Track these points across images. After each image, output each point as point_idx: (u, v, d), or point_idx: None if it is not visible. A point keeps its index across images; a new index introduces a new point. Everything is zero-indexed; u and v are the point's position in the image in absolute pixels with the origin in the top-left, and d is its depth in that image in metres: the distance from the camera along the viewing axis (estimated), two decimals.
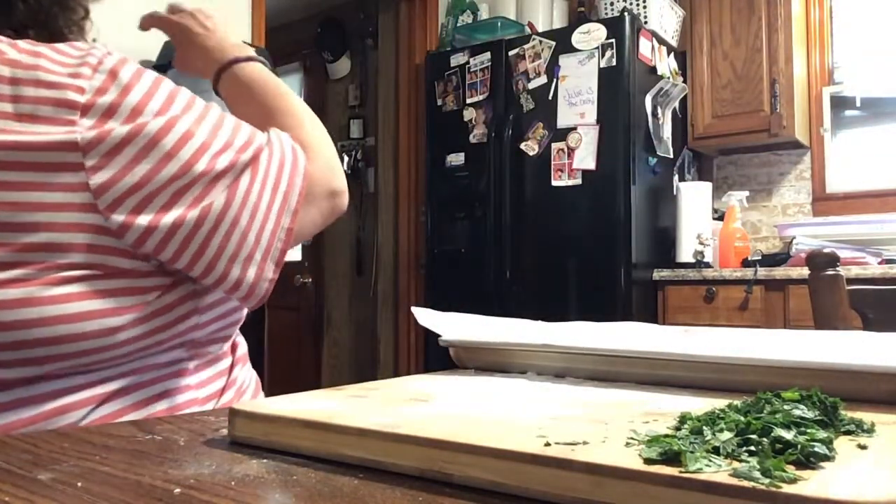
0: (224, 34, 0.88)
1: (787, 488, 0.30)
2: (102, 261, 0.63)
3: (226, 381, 0.78)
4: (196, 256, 0.65)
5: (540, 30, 3.28)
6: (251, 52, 0.86)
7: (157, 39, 0.98)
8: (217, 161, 0.65)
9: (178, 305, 0.69)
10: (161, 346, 0.69)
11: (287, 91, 0.83)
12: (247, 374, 0.83)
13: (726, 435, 0.36)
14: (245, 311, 0.81)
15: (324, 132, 0.81)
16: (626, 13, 2.90)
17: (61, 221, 0.61)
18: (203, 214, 0.64)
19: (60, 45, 0.66)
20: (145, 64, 0.93)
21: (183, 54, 0.90)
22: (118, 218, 0.62)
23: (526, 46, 3.08)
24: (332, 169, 0.77)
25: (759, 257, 2.92)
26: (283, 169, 0.70)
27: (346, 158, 4.24)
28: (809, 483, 0.30)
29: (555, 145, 2.97)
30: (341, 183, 0.78)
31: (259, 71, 0.83)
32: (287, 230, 0.69)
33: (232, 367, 0.80)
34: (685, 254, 2.98)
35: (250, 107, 0.81)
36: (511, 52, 3.12)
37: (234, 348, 0.82)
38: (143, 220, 0.63)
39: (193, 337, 0.72)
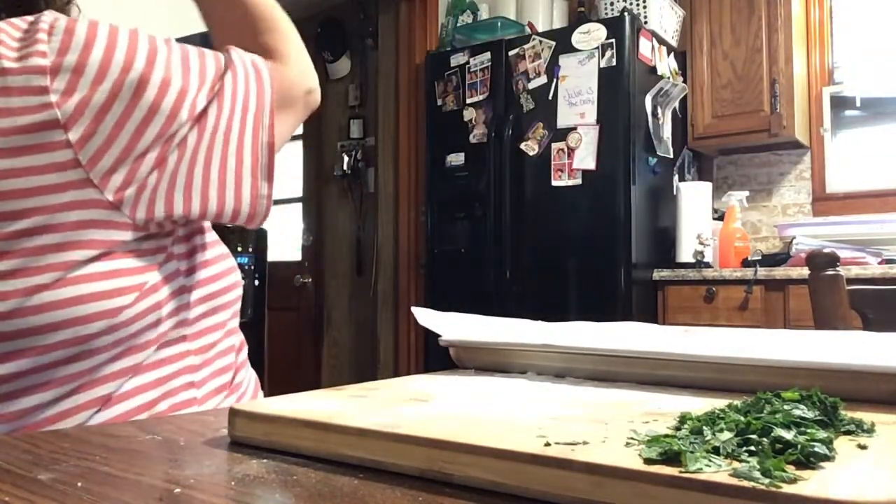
0: None
1: (787, 488, 0.30)
2: (103, 236, 0.62)
3: (231, 381, 0.78)
4: (187, 197, 0.65)
5: (540, 30, 3.28)
6: None
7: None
8: (196, 101, 0.65)
9: (169, 281, 0.69)
10: (159, 325, 0.68)
11: (264, 6, 0.83)
12: (245, 376, 0.83)
13: (726, 435, 0.36)
14: (236, 296, 0.80)
15: (297, 36, 0.82)
16: (626, 13, 2.90)
17: (57, 203, 0.60)
18: (181, 155, 0.64)
19: (7, 21, 0.64)
20: None
21: None
22: (111, 190, 0.62)
23: (526, 46, 3.08)
24: (303, 69, 0.79)
25: (759, 257, 2.92)
26: (248, 90, 0.70)
27: (346, 158, 4.24)
28: (809, 483, 0.30)
29: (555, 145, 2.97)
30: (314, 81, 0.80)
31: None
32: (268, 145, 0.70)
33: (236, 371, 0.80)
34: (685, 254, 2.98)
35: (226, 14, 0.81)
36: (511, 52, 3.12)
37: (238, 350, 0.82)
38: (135, 185, 0.62)
39: (184, 317, 0.72)
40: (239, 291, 0.82)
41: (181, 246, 0.72)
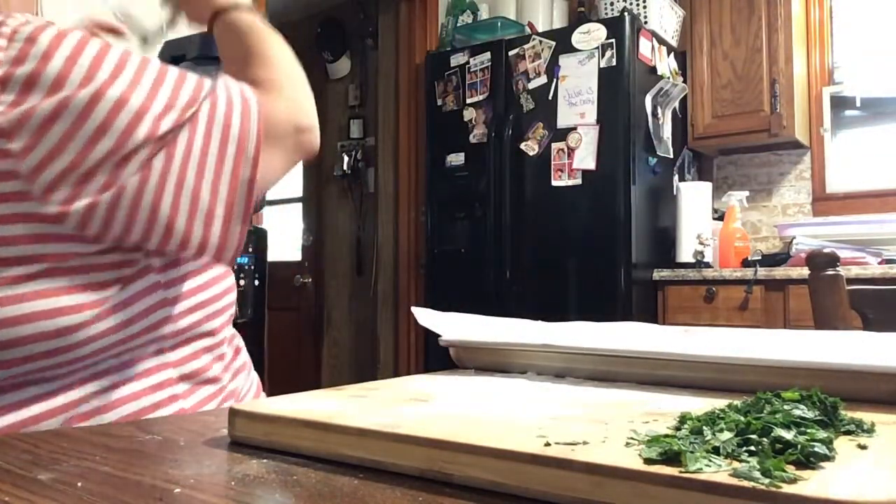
0: None
1: (787, 488, 0.30)
2: (53, 250, 0.60)
3: (222, 389, 0.76)
4: (149, 225, 0.61)
5: (540, 30, 3.28)
6: (253, 8, 0.84)
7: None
8: (160, 124, 0.61)
9: (144, 297, 0.66)
10: (130, 341, 0.66)
11: (270, 36, 0.80)
12: (242, 382, 0.81)
13: (726, 435, 0.36)
14: (231, 300, 0.79)
15: (296, 73, 0.77)
16: (626, 13, 2.90)
17: None
18: (144, 178, 0.60)
19: None
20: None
21: (189, 3, 0.88)
22: (54, 204, 0.59)
23: (526, 46, 3.08)
24: (296, 104, 0.73)
25: (759, 257, 2.92)
26: (231, 118, 0.65)
27: (346, 158, 4.24)
28: (809, 483, 0.30)
29: (555, 145, 2.97)
30: (308, 119, 0.73)
31: (247, 18, 0.81)
32: (248, 181, 0.65)
33: (234, 375, 0.78)
34: (685, 254, 2.98)
35: (231, 49, 0.79)
36: (511, 52, 3.12)
37: (233, 357, 0.80)
38: (83, 202, 0.59)
39: (165, 332, 0.69)
40: (233, 296, 0.79)
41: (161, 258, 0.69)
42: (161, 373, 0.69)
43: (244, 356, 0.83)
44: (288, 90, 0.73)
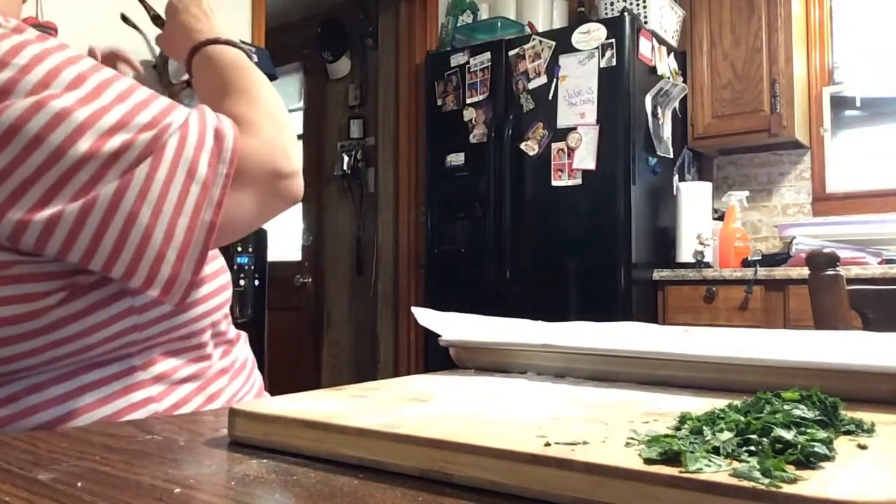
0: (213, 23, 0.82)
1: (787, 488, 0.30)
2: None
3: (199, 389, 0.73)
4: (89, 253, 0.58)
5: (540, 30, 3.28)
6: (236, 41, 0.80)
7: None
8: (105, 142, 0.57)
9: (108, 304, 0.63)
10: (93, 350, 0.64)
11: (250, 71, 0.75)
12: (231, 383, 0.78)
13: (726, 435, 0.36)
14: (225, 299, 0.76)
15: (279, 113, 0.71)
16: (626, 13, 2.90)
17: None
18: (87, 207, 0.57)
19: None
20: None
21: (167, 32, 0.85)
22: None
23: (526, 46, 3.08)
24: (275, 147, 0.67)
25: (759, 257, 2.92)
26: (200, 157, 0.61)
27: (346, 158, 4.24)
28: (809, 483, 0.30)
29: (555, 145, 2.97)
30: (288, 164, 0.67)
31: (231, 52, 0.77)
32: (208, 225, 0.61)
33: (221, 373, 0.76)
34: (685, 254, 2.98)
35: (208, 84, 0.75)
36: (511, 52, 3.12)
37: (223, 355, 0.78)
38: (13, 216, 0.56)
39: (134, 338, 0.67)
40: (221, 298, 0.76)
41: None
42: (132, 375, 0.68)
43: (237, 356, 0.80)
44: (268, 131, 0.68)
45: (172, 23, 0.84)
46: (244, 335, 0.86)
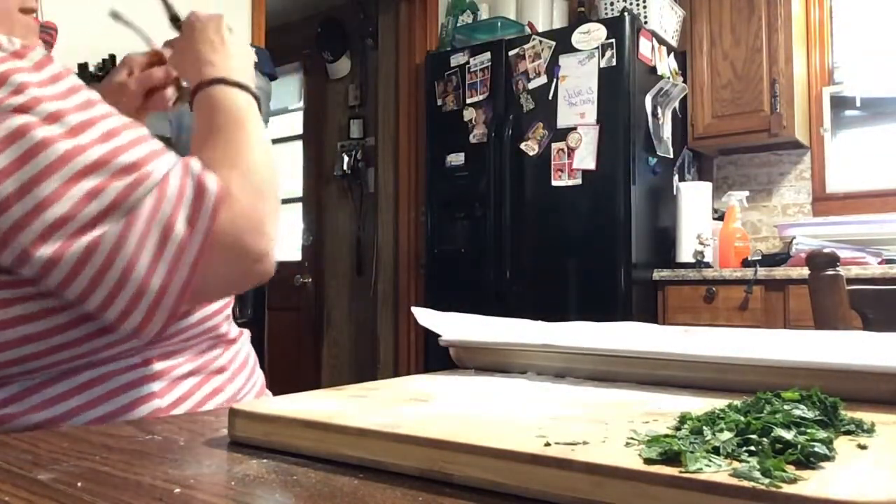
0: (229, 55, 0.78)
1: (787, 488, 0.30)
2: None
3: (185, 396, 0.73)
4: (66, 279, 0.58)
5: (540, 30, 3.28)
6: (248, 80, 0.76)
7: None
8: (80, 182, 0.57)
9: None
10: (96, 354, 0.64)
11: (247, 126, 0.70)
12: (239, 383, 0.79)
13: (726, 435, 0.36)
14: (224, 303, 0.76)
15: (263, 177, 0.67)
16: (626, 13, 2.90)
17: None
18: (56, 257, 0.57)
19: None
20: None
21: (180, 50, 0.82)
22: None
23: (526, 46, 3.08)
24: (249, 221, 0.63)
25: (759, 257, 2.92)
26: (176, 219, 0.59)
27: (346, 158, 4.24)
28: (809, 483, 0.30)
29: (555, 145, 2.97)
30: (257, 243, 0.63)
31: (235, 100, 0.73)
32: (182, 285, 0.60)
33: (217, 371, 0.76)
34: (685, 254, 2.98)
35: (202, 127, 0.71)
36: (511, 52, 3.12)
37: (216, 356, 0.77)
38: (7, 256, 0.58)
39: (133, 344, 0.66)
40: (224, 300, 0.75)
41: None
42: (133, 371, 0.68)
43: (237, 353, 0.80)
44: (244, 203, 0.63)
45: (187, 44, 0.79)
46: (246, 332, 0.86)
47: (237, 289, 0.67)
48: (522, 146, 3.05)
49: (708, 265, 2.92)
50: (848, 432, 0.40)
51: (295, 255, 4.55)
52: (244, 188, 0.64)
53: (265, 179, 0.67)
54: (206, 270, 0.61)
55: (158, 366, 0.70)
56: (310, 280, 4.43)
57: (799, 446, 0.34)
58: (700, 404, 0.49)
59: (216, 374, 0.76)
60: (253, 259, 0.64)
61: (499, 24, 3.32)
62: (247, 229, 0.63)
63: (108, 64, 2.19)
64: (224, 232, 0.61)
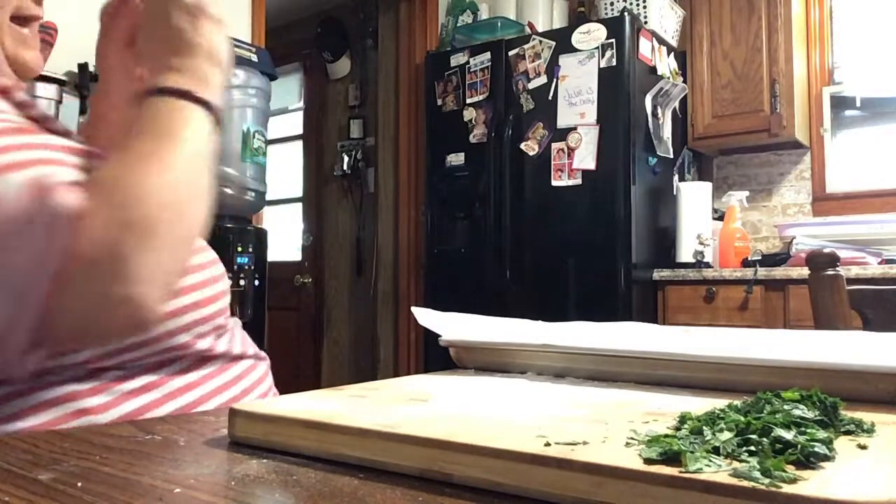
0: (209, 48, 0.67)
1: (787, 488, 0.30)
2: None
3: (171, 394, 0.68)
4: None
5: (540, 30, 3.28)
6: (211, 90, 0.65)
7: None
8: None
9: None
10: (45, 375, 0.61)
11: (169, 155, 0.60)
12: (237, 392, 0.75)
13: (726, 435, 0.36)
14: (195, 317, 0.69)
15: (152, 214, 0.56)
16: (626, 13, 2.90)
17: None
18: None
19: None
20: None
21: (149, 32, 0.69)
22: None
23: (526, 46, 3.08)
24: (107, 255, 0.53)
25: (759, 257, 2.92)
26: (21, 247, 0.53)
27: (346, 158, 4.24)
28: (809, 483, 0.30)
29: (555, 145, 2.97)
30: (115, 284, 0.54)
31: (180, 111, 0.63)
32: (35, 317, 0.53)
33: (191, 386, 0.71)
34: (685, 254, 2.98)
35: (127, 135, 0.62)
36: (511, 52, 3.12)
37: (199, 366, 0.72)
38: None
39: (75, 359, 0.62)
40: (192, 316, 0.69)
41: None
42: (67, 385, 0.64)
43: (209, 375, 0.73)
44: (107, 228, 0.54)
45: (161, 25, 0.67)
46: (265, 361, 0.80)
47: (103, 333, 0.58)
48: (522, 146, 3.05)
49: (708, 265, 2.92)
50: (848, 432, 0.40)
51: (295, 255, 4.55)
52: (110, 218, 0.55)
53: (151, 217, 0.56)
54: (61, 309, 0.53)
55: (102, 380, 0.65)
56: (310, 280, 4.43)
57: (799, 446, 0.34)
58: (700, 404, 0.49)
59: (185, 392, 0.70)
60: (115, 301, 0.54)
61: (499, 24, 3.32)
62: (99, 262, 0.54)
63: None
64: (70, 256, 0.53)
